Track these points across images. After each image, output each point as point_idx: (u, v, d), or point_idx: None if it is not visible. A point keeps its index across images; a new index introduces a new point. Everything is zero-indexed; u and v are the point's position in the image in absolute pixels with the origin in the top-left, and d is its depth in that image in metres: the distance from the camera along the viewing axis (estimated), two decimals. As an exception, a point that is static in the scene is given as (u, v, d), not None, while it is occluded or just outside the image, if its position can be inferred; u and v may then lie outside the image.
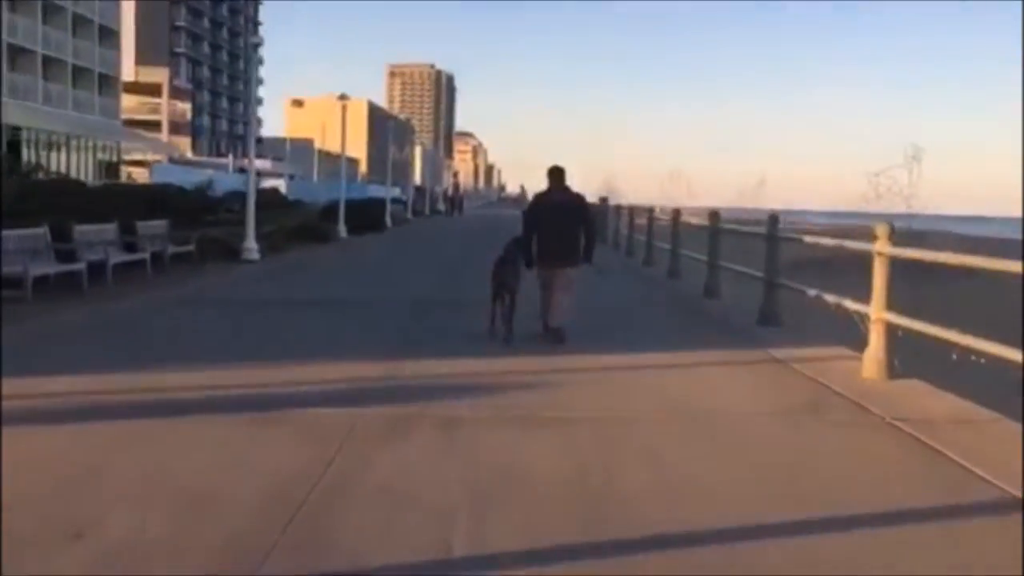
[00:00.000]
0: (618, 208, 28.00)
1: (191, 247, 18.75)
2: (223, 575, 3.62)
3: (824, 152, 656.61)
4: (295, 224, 29.04)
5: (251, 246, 20.52)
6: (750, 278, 13.05)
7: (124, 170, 63.30)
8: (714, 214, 14.33)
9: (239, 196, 53.44)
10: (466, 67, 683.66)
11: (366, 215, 37.77)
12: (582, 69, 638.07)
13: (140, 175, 59.49)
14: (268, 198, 57.85)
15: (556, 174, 10.29)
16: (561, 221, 10.04)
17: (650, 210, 21.28)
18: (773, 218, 11.07)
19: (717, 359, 8.65)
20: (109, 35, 61.47)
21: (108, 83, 60.99)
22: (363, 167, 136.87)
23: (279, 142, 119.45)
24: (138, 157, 76.74)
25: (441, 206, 68.92)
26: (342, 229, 31.28)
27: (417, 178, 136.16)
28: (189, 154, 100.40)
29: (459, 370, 7.83)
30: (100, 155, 59.89)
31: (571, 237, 10.05)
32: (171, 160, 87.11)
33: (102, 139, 58.50)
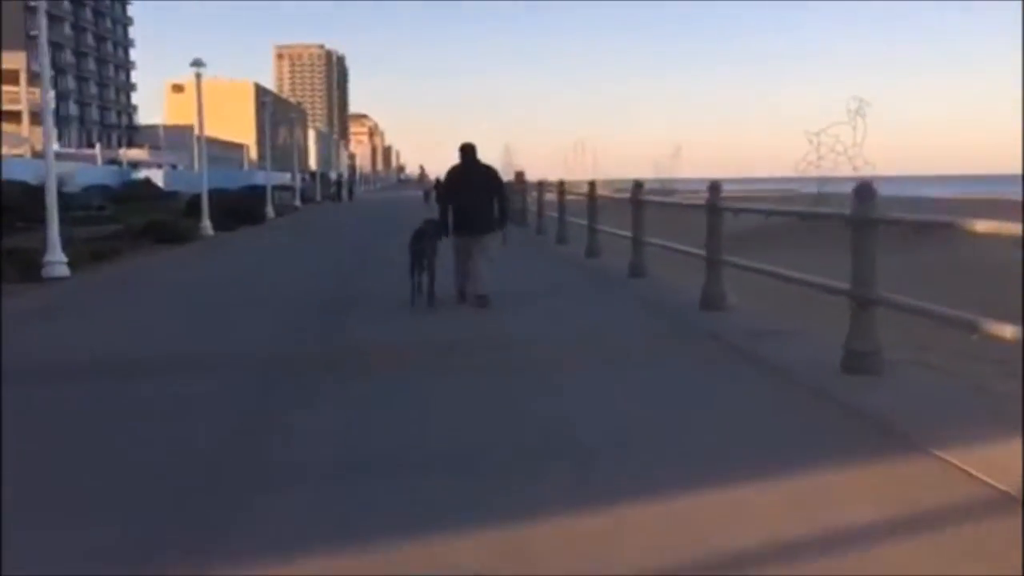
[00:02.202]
0: (540, 184, 23.25)
1: (-40, 266, 13.25)
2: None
3: (752, 115, 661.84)
4: (145, 222, 23.39)
5: (55, 259, 15.05)
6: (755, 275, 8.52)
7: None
8: (715, 186, 9.68)
9: (100, 190, 46.80)
10: (357, 47, 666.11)
11: (242, 206, 32.25)
12: (478, 44, 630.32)
13: (-14, 171, 51.79)
14: (138, 190, 51.32)
15: (468, 150, 10.69)
16: (474, 193, 10.49)
17: (591, 184, 16.60)
18: (865, 189, 6.41)
19: (874, 500, 3.98)
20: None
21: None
22: (252, 153, 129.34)
23: (158, 129, 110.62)
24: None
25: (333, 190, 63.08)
26: (206, 225, 25.70)
27: (312, 163, 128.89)
28: (56, 145, 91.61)
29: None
30: (-67, 150, 51.93)
31: (485, 208, 10.54)
32: (34, 153, 78.79)
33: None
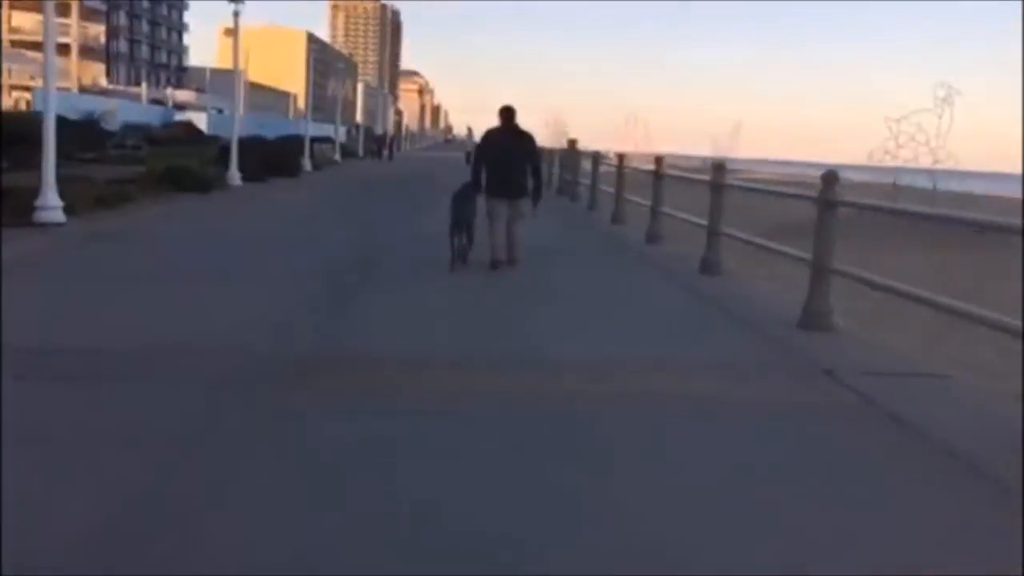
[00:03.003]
0: (596, 156, 21.11)
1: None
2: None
3: (822, 96, 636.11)
4: (164, 167, 21.68)
5: (48, 203, 13.38)
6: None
7: (6, 97, 54.42)
8: (831, 177, 7.65)
9: (140, 129, 45.47)
10: (413, 3, 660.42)
11: (277, 156, 30.47)
12: (534, 9, 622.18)
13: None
14: (176, 133, 49.93)
15: (507, 112, 10.63)
16: (509, 156, 10.46)
17: (658, 160, 14.53)
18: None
19: None
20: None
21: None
22: (301, 103, 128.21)
23: (210, 72, 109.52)
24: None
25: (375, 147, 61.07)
26: (233, 175, 23.99)
27: (359, 116, 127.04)
28: (103, 81, 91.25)
29: None
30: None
31: (519, 172, 10.48)
32: (81, 87, 78.03)
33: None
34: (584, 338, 7.13)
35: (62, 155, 29.52)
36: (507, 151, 10.41)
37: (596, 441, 4.55)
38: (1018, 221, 5.42)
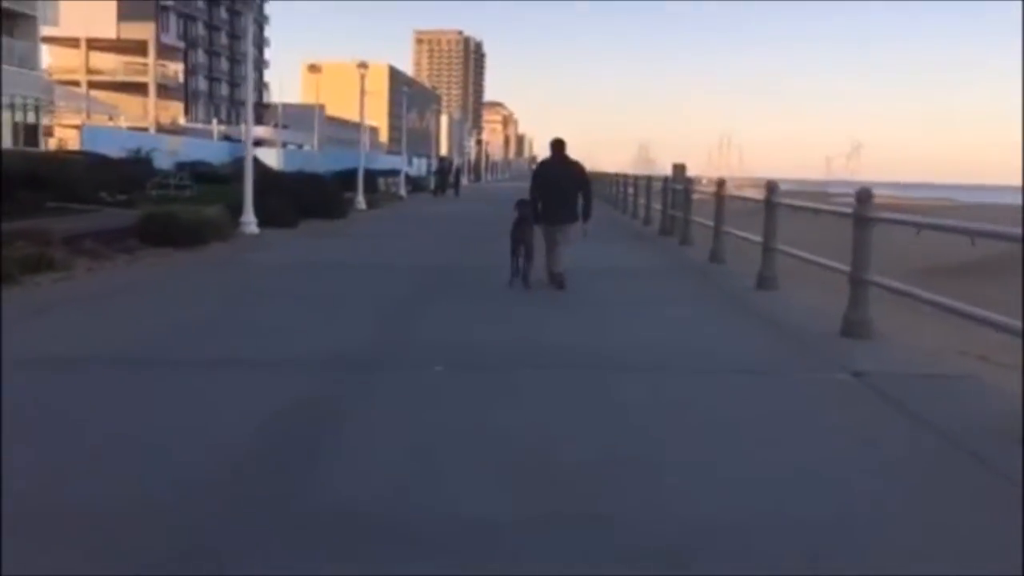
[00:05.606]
0: (720, 186, 15.19)
1: None
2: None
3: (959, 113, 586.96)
4: (145, 214, 16.56)
5: None
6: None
7: (53, 134, 51.23)
8: None
9: (195, 166, 41.01)
10: (495, 34, 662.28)
11: (316, 196, 25.13)
12: (618, 35, 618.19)
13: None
14: (240, 170, 45.84)
15: (558, 145, 11.43)
16: (562, 186, 11.19)
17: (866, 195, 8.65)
18: None
19: None
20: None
21: (22, 25, 47.92)
22: (383, 136, 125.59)
23: (288, 108, 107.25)
24: (122, 124, 65.46)
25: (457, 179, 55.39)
26: (249, 221, 18.90)
27: (443, 149, 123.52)
28: (182, 120, 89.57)
29: None
30: (24, 116, 47.67)
31: (570, 200, 11.22)
32: (158, 127, 75.99)
33: (21, 96, 46.12)
34: None
35: (75, 198, 24.81)
36: (558, 181, 11.12)
37: None
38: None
